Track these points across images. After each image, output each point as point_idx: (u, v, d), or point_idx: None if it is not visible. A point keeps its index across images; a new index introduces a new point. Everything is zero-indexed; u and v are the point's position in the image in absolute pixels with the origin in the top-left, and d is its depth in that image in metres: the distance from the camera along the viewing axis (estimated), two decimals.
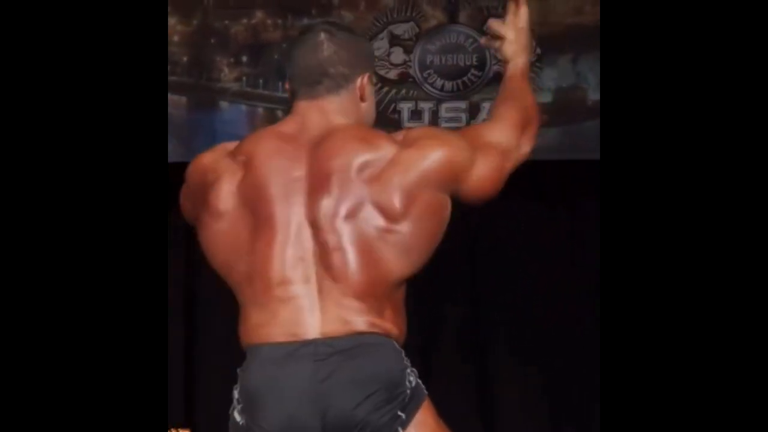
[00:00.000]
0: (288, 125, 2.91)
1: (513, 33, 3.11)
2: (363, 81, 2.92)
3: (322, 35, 2.91)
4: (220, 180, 2.91)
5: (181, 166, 4.20)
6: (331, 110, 2.89)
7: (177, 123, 4.70)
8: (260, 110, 4.76)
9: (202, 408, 4.94)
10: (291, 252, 2.82)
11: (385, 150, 2.85)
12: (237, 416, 2.84)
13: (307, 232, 2.81)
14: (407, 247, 2.83)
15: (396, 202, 2.81)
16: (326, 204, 2.82)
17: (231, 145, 2.97)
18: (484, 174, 2.94)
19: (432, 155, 2.87)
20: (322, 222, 2.81)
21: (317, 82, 2.89)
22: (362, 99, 2.93)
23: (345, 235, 2.81)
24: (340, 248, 2.81)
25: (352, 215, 2.81)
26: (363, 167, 2.82)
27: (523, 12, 3.12)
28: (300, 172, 2.83)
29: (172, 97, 4.70)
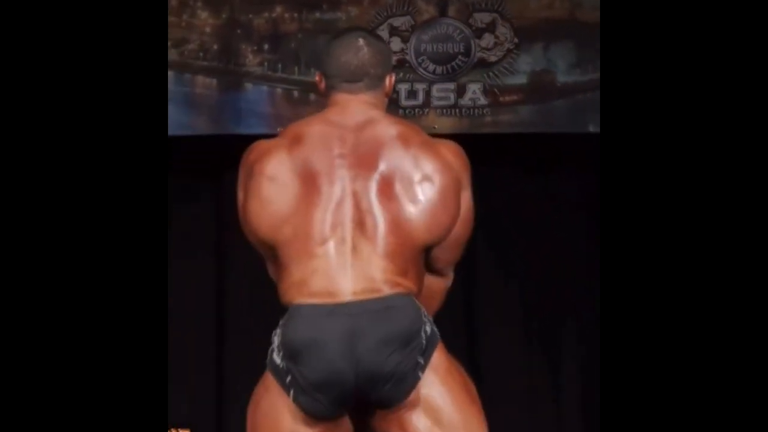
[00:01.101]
0: (332, 113, 3.06)
1: None
2: (391, 79, 3.11)
3: (361, 41, 3.08)
4: (269, 152, 3.01)
5: (212, 138, 4.50)
6: (368, 102, 3.06)
7: (208, 102, 4.80)
8: (279, 90, 4.81)
9: (232, 405, 4.74)
10: (332, 216, 2.94)
11: (421, 136, 3.05)
12: (277, 359, 2.96)
13: (348, 200, 2.94)
14: (431, 219, 2.98)
15: (429, 171, 2.98)
16: (368, 176, 2.96)
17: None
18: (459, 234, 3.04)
19: (466, 158, 3.06)
20: (362, 192, 2.95)
21: (359, 79, 3.05)
22: (387, 94, 3.12)
23: (380, 204, 2.95)
24: (375, 214, 2.94)
25: (388, 187, 2.96)
26: (403, 148, 2.98)
27: None
28: (344, 150, 2.97)
29: (204, 80, 4.78)
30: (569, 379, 5.04)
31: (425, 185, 2.97)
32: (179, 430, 4.67)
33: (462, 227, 3.05)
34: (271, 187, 2.98)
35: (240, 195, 3.05)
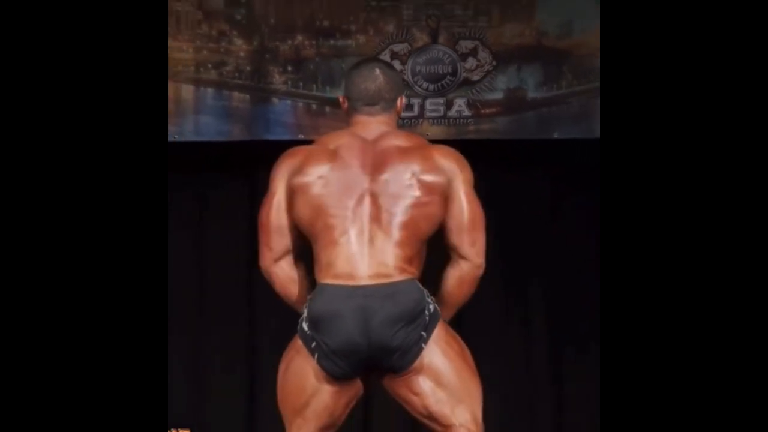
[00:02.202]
0: (357, 130, 3.34)
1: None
2: (401, 102, 3.41)
3: (377, 70, 3.36)
4: (311, 157, 3.27)
5: (245, 143, 4.89)
6: (384, 122, 3.34)
7: (242, 114, 5.18)
8: (300, 104, 5.19)
9: (264, 404, 4.73)
10: (353, 212, 3.20)
11: (421, 142, 3.35)
12: (305, 326, 3.23)
13: (367, 199, 3.21)
14: (433, 216, 3.25)
15: (424, 170, 3.25)
16: (383, 179, 3.23)
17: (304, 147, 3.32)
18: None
19: (459, 157, 3.32)
20: (378, 192, 3.22)
21: (375, 102, 3.33)
22: (398, 113, 3.41)
23: (394, 202, 3.21)
24: (389, 211, 3.21)
25: (400, 188, 3.22)
26: (407, 154, 3.26)
27: None
28: (365, 159, 3.26)
29: (239, 95, 5.17)
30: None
31: (420, 182, 3.25)
32: (179, 430, 4.72)
33: (461, 214, 3.26)
34: (317, 185, 3.25)
35: (279, 189, 3.29)
